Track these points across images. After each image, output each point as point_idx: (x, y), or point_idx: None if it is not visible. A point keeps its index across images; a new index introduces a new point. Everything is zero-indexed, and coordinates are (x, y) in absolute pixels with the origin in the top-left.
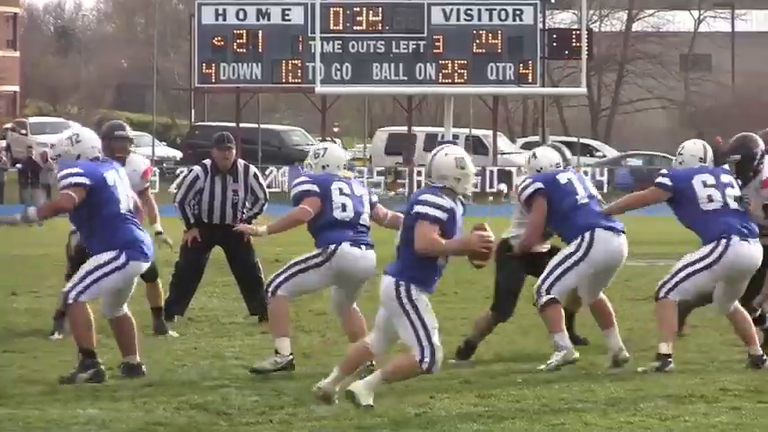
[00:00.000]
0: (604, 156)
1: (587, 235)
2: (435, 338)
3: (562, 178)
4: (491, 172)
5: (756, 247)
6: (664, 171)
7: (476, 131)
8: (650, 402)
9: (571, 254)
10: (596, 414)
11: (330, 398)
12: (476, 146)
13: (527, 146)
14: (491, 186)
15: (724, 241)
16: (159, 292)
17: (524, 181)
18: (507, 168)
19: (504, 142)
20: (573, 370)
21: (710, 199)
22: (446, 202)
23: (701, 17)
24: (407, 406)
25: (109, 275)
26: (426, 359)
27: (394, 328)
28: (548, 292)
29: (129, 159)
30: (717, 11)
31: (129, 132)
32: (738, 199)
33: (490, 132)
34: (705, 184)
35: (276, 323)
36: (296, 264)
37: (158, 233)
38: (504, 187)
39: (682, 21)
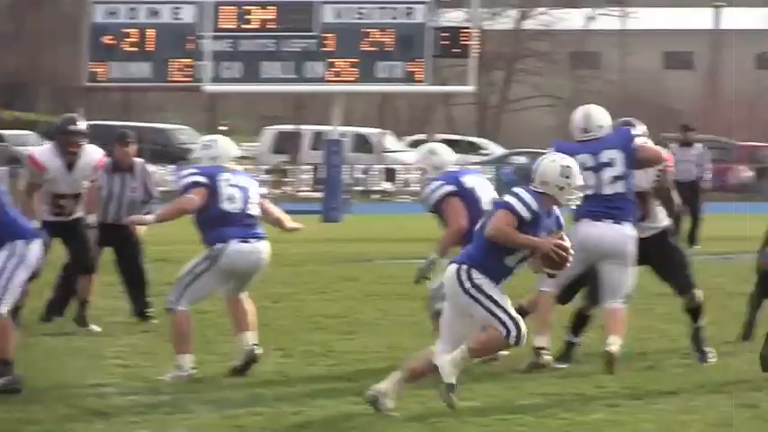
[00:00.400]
0: (490, 154)
1: None
2: (512, 311)
3: (468, 181)
4: (376, 170)
5: (609, 227)
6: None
7: (362, 130)
8: (526, 401)
9: None
10: (473, 413)
11: (378, 402)
12: (361, 144)
13: (414, 144)
14: (376, 185)
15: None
16: (92, 286)
17: (431, 183)
18: (392, 167)
19: (390, 140)
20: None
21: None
22: (536, 205)
23: (592, 15)
24: (311, 408)
25: (17, 270)
26: (513, 333)
27: (459, 328)
28: None
29: (83, 151)
30: (608, 9)
31: (82, 126)
32: (618, 178)
33: (377, 130)
34: (583, 167)
35: (178, 340)
36: (185, 276)
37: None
38: None
39: (573, 18)
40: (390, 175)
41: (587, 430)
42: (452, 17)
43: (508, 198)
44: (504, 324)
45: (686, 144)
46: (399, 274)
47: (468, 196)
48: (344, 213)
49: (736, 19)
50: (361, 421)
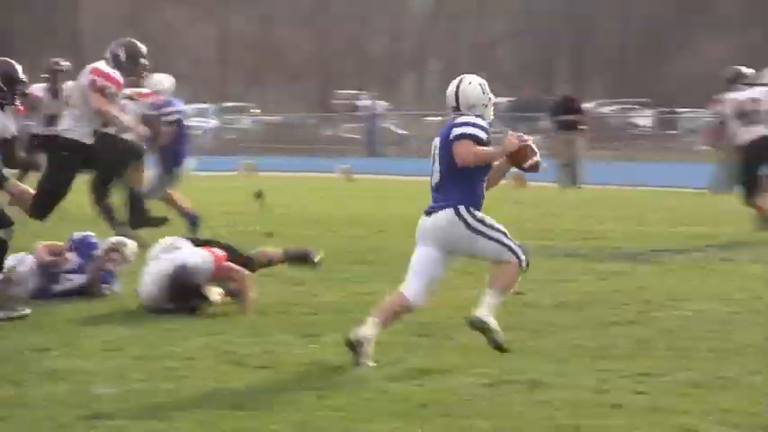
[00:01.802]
0: None
1: None
2: (514, 239)
3: None
4: None
5: None
6: None
7: None
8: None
9: None
10: None
11: (363, 346)
12: None
13: None
14: None
15: None
16: None
17: None
18: None
19: None
20: None
21: None
22: (485, 123)
23: None
24: None
25: None
26: (522, 258)
27: (439, 272)
28: None
29: None
30: None
31: None
32: None
33: None
34: None
35: None
36: None
37: None
38: None
39: None
40: None
41: None
42: None
43: (461, 130)
44: (514, 252)
45: None
46: None
47: None
48: None
49: None
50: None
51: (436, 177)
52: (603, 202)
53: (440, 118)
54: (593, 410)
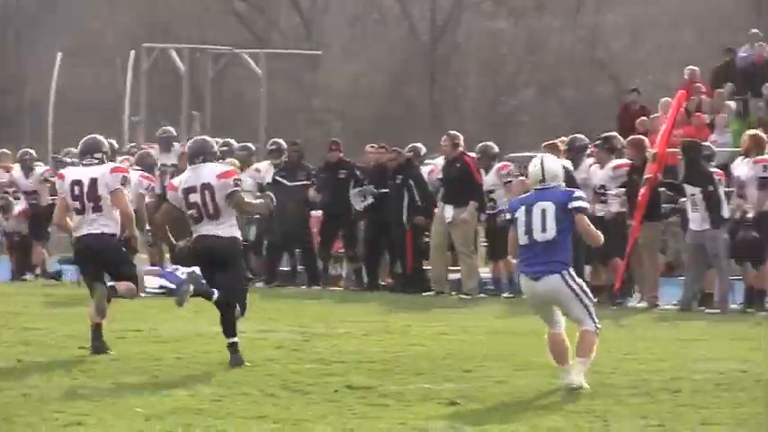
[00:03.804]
0: None
1: None
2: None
3: None
4: None
5: None
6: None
7: None
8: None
9: None
10: None
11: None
12: None
13: None
14: None
15: None
16: None
17: None
18: None
19: None
20: None
21: None
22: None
23: None
24: None
25: None
26: (598, 324)
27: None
28: None
29: None
30: None
31: None
32: None
33: None
34: None
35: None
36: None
37: None
38: None
39: None
40: None
41: None
42: None
43: (581, 204)
44: (592, 318)
45: None
46: None
47: None
48: None
49: None
50: None
51: (541, 235)
52: None
53: None
54: None
